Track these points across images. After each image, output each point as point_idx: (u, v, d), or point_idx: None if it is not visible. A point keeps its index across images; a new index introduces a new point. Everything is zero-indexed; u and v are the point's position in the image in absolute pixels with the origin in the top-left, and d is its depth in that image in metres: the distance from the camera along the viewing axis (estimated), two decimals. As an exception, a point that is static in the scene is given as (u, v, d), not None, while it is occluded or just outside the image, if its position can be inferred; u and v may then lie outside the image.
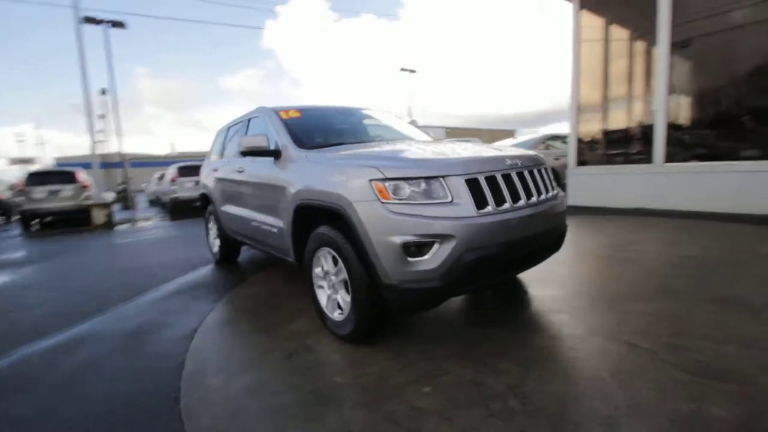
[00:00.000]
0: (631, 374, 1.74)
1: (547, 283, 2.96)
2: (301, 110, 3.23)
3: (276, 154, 2.80)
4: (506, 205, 2.02)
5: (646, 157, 5.75)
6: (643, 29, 6.54)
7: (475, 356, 1.98)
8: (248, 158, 3.35)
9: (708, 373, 1.70)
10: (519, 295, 2.82)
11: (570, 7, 6.55)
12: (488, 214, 1.93)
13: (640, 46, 6.79)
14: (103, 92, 21.01)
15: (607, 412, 1.50)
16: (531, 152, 2.46)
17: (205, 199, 4.60)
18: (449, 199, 1.88)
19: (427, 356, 2.02)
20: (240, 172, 3.40)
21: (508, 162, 2.14)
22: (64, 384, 2.09)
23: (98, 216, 8.98)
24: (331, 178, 2.16)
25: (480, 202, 1.93)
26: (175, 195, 11.67)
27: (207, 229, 4.74)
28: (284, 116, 3.08)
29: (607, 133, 6.74)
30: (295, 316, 2.72)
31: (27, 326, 3.03)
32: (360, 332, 2.12)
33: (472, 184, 1.94)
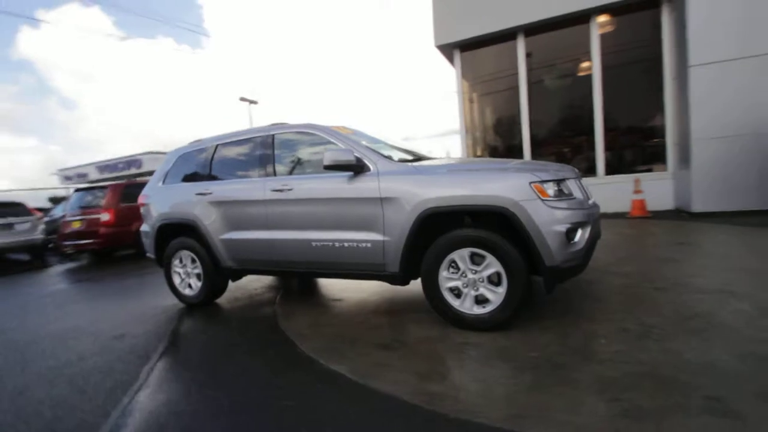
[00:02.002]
0: (689, 299, 2.69)
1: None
2: (349, 127, 3.25)
3: (359, 168, 2.78)
4: (593, 201, 2.77)
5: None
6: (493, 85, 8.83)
7: (594, 316, 2.59)
8: (296, 176, 3.12)
9: (702, 289, 2.81)
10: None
11: (454, 72, 8.47)
12: (591, 206, 2.63)
13: (496, 96, 9.12)
14: None
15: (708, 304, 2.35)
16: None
17: (176, 231, 3.73)
18: (573, 195, 2.48)
19: (566, 324, 2.50)
20: (281, 191, 3.08)
21: (577, 171, 2.91)
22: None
23: None
24: (483, 184, 2.43)
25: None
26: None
27: (170, 269, 3.81)
28: (344, 132, 3.06)
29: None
30: (402, 328, 2.73)
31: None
32: (513, 317, 2.44)
33: (578, 185, 2.61)
